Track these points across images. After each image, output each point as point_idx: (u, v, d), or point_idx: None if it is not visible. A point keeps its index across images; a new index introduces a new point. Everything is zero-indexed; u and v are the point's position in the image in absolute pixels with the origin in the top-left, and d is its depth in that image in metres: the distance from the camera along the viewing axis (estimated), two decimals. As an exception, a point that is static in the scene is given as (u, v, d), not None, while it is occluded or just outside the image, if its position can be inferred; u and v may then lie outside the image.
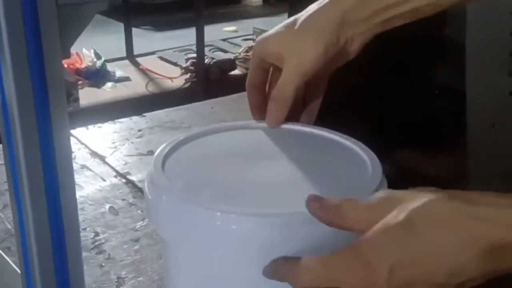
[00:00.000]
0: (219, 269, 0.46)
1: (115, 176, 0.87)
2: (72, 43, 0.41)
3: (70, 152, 0.46)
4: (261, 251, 0.42)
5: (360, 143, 0.53)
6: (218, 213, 0.43)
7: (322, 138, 0.56)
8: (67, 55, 0.41)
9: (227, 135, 0.57)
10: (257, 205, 0.45)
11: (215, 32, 3.40)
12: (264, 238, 0.42)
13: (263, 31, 3.23)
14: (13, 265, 0.63)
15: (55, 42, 0.40)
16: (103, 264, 0.70)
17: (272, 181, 0.49)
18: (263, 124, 0.59)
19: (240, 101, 1.15)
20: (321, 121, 0.60)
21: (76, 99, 2.22)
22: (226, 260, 0.45)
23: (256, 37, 3.26)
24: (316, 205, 0.42)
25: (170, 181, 0.48)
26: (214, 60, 2.88)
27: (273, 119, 0.58)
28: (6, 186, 0.62)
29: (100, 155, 0.94)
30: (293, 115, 0.59)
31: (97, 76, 2.72)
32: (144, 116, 1.07)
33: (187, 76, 2.83)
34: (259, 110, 0.59)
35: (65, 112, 0.41)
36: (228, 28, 3.79)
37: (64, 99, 0.41)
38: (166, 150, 0.53)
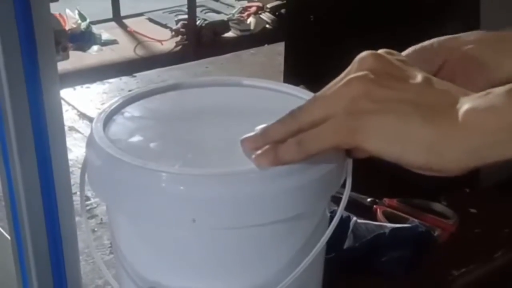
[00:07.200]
0: (167, 232, 0.45)
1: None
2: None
3: (60, 107, 0.45)
4: (210, 213, 0.42)
5: None
6: (163, 174, 0.42)
7: (287, 95, 0.54)
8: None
9: (180, 93, 0.55)
10: (205, 165, 0.44)
11: (206, -8, 3.34)
12: (213, 199, 0.41)
13: (258, -10, 3.19)
14: (1, 230, 0.62)
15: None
16: (96, 229, 0.70)
17: (223, 140, 0.47)
18: (222, 81, 0.56)
19: (235, 60, 1.14)
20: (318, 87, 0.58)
21: (65, 48, 2.17)
22: (172, 222, 0.43)
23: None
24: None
25: (111, 142, 0.45)
26: (206, 22, 2.84)
27: (273, 162, 0.43)
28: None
29: (89, 116, 0.92)
30: None
31: (82, 39, 2.68)
32: (135, 76, 1.06)
33: (178, 38, 2.79)
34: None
35: (54, 61, 0.40)
36: (221, -13, 3.73)
37: (53, 46, 0.40)
38: (110, 109, 0.50)
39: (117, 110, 0.51)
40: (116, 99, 0.52)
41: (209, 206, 0.42)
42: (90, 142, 0.46)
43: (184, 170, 0.42)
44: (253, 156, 0.43)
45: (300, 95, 0.52)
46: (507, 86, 0.39)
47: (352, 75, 0.42)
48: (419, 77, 0.42)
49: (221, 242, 0.44)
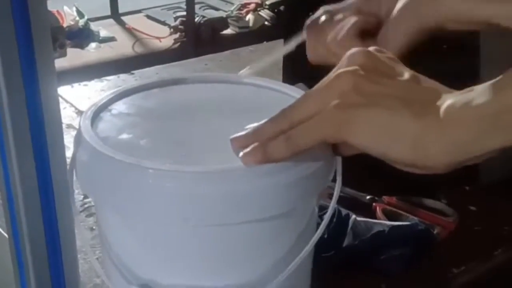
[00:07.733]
0: (153, 228, 0.45)
1: (104, 137, 0.86)
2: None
3: (57, 104, 0.44)
4: (196, 210, 0.42)
5: None
6: (150, 170, 0.42)
7: (277, 92, 0.54)
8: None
9: (171, 89, 0.55)
10: (192, 162, 0.44)
11: (205, -11, 3.34)
12: (199, 197, 0.42)
13: (257, -13, 3.18)
14: (-1, 229, 0.62)
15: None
16: (94, 227, 0.70)
17: (211, 137, 0.48)
18: (211, 78, 0.56)
19: (234, 58, 1.14)
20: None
21: (63, 45, 2.17)
22: (159, 219, 0.43)
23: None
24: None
25: (99, 139, 0.46)
26: (204, 19, 2.84)
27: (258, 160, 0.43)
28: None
29: (87, 114, 0.92)
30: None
31: (80, 36, 2.67)
32: (133, 73, 1.06)
33: (177, 35, 2.79)
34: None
35: (52, 58, 0.40)
36: (219, -16, 3.72)
37: (50, 43, 0.39)
38: (99, 105, 0.51)
39: (106, 106, 0.51)
40: (106, 94, 0.52)
41: (197, 203, 0.42)
42: (77, 137, 0.47)
43: (173, 167, 0.43)
44: (240, 154, 0.43)
45: (295, 94, 0.52)
46: (486, 84, 0.40)
47: (342, 70, 0.42)
48: (406, 75, 0.43)
49: (209, 240, 0.44)
